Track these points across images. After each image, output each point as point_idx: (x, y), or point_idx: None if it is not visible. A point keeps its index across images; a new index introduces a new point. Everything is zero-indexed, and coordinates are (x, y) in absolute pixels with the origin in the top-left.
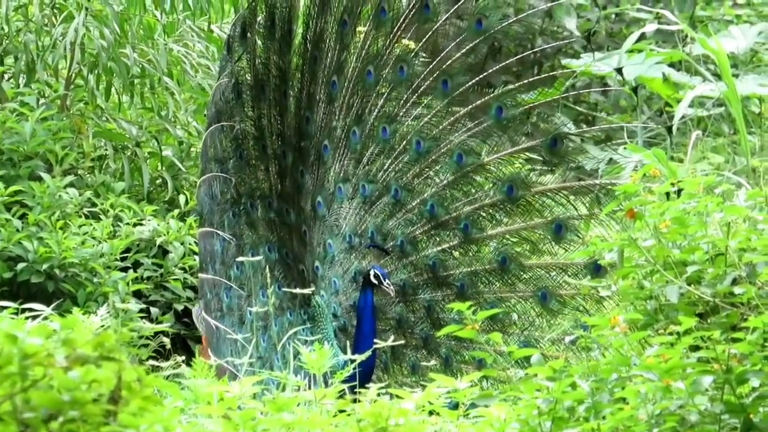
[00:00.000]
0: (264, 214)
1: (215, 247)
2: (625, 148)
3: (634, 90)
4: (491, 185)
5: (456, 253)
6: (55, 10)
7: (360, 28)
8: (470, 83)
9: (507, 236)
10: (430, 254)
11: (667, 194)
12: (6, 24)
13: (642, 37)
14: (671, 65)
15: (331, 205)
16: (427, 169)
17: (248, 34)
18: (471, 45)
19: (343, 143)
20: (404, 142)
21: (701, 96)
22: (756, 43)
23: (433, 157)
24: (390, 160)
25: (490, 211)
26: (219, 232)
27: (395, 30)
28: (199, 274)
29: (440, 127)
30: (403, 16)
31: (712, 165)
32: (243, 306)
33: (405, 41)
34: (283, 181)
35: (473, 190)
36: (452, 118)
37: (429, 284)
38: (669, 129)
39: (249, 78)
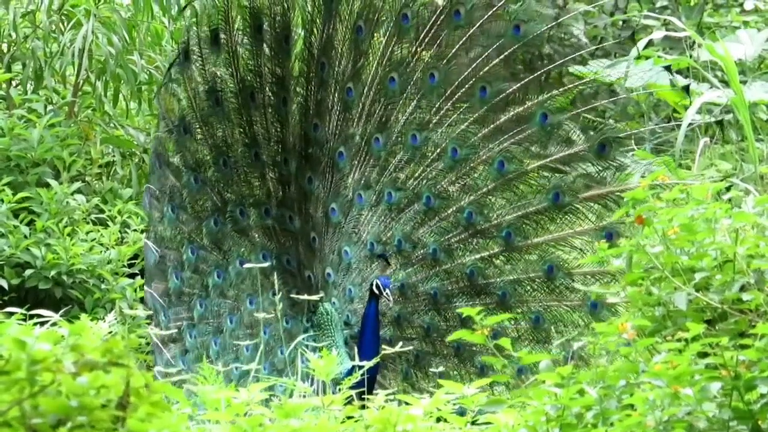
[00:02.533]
0: (259, 222)
1: (186, 255)
2: (633, 154)
3: (686, 89)
4: (536, 192)
5: (497, 262)
6: (63, 17)
7: (377, 35)
8: (511, 90)
9: (554, 244)
10: (468, 262)
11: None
12: (14, 30)
13: (650, 43)
14: (679, 72)
15: (348, 213)
16: (464, 177)
17: (224, 41)
18: (509, 51)
19: (364, 150)
20: (438, 150)
21: (709, 103)
22: (764, 50)
23: (472, 165)
24: (422, 168)
25: (535, 218)
26: (150, 243)
27: (422, 37)
28: (147, 287)
29: (479, 134)
30: (431, 23)
31: (720, 172)
32: (223, 314)
33: (433, 49)
34: (285, 188)
35: (516, 198)
36: (493, 126)
37: (466, 293)
38: (720, 123)
39: (233, 85)
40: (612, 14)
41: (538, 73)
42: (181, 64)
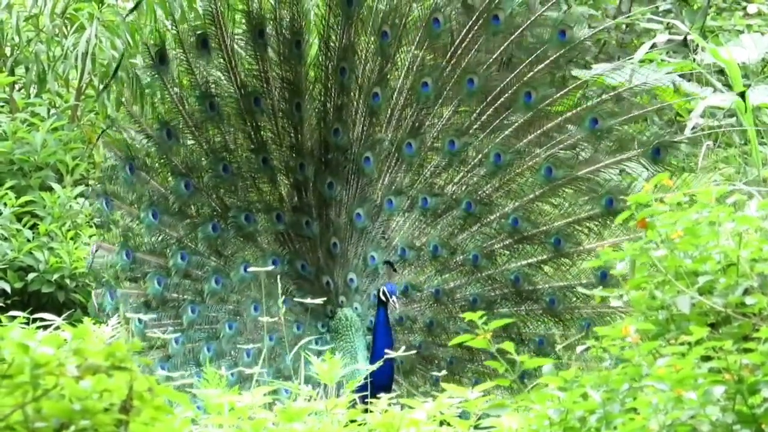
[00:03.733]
0: (270, 227)
1: (174, 261)
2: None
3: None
4: (587, 198)
5: (546, 268)
6: (66, 21)
7: (405, 39)
8: (557, 96)
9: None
10: (512, 268)
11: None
12: (17, 34)
13: (653, 47)
14: (682, 75)
15: (376, 218)
16: (509, 183)
17: (215, 46)
18: (554, 56)
19: (394, 156)
20: (479, 156)
21: (712, 106)
22: (767, 53)
23: (517, 171)
24: (461, 174)
25: (587, 224)
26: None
27: (458, 41)
28: (96, 291)
29: (525, 140)
30: (467, 28)
31: (723, 176)
32: (221, 320)
33: (471, 54)
34: (301, 194)
35: (565, 203)
36: (539, 131)
37: (509, 299)
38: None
39: (232, 90)
40: (615, 18)
41: (584, 79)
42: (156, 67)
